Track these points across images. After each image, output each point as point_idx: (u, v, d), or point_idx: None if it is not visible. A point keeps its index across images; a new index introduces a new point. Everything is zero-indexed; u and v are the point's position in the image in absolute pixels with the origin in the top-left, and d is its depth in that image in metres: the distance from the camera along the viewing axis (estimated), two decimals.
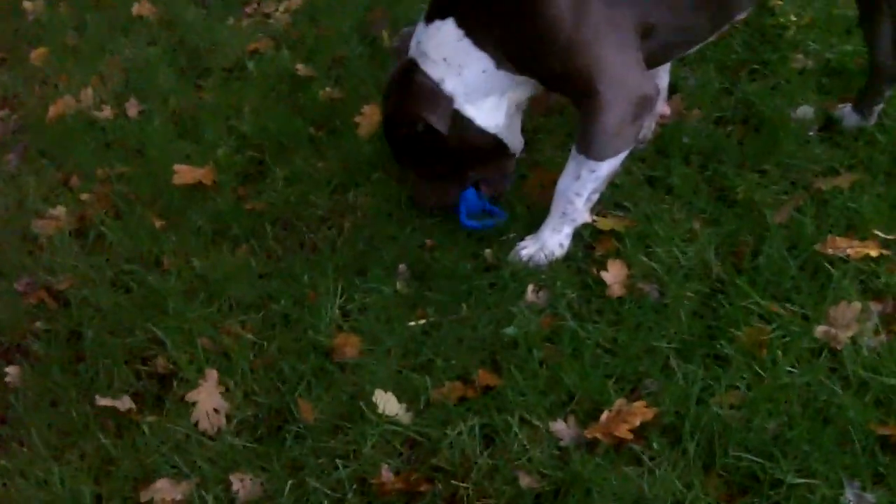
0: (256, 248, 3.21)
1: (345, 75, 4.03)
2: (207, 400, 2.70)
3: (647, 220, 2.97)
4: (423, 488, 2.41)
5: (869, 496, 2.20)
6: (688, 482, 2.29)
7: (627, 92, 2.67)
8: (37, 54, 4.68)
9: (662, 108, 3.28)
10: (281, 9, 4.64)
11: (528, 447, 2.43)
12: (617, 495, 2.29)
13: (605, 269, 2.84)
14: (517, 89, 2.84)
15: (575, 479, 2.33)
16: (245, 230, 3.29)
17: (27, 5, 5.14)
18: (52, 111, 4.17)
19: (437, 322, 2.83)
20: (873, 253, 2.70)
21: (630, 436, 2.37)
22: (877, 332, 2.53)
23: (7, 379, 2.94)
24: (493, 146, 2.94)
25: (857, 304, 2.57)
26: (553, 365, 2.60)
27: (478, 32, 2.72)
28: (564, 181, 2.85)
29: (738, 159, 3.13)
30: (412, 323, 2.84)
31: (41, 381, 2.90)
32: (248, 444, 2.60)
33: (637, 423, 2.39)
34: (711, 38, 2.88)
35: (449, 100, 2.80)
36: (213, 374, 2.76)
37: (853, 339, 2.52)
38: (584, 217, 2.92)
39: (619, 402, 2.45)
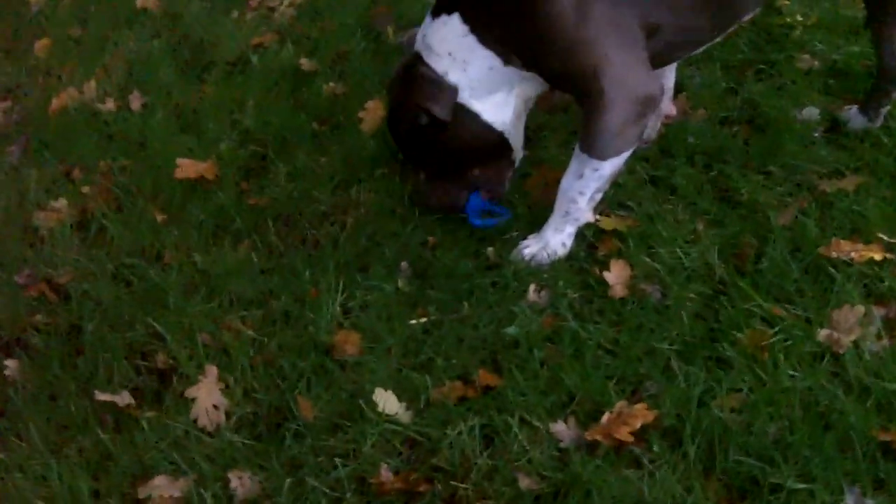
0: (258, 243, 3.20)
1: (348, 70, 4.01)
2: (207, 396, 2.69)
3: (651, 220, 2.96)
4: (422, 488, 2.40)
5: (869, 502, 2.18)
6: (688, 486, 2.28)
7: (631, 91, 2.65)
8: (40, 46, 4.68)
9: (668, 107, 3.26)
10: (285, 3, 4.62)
11: (528, 448, 2.42)
12: (617, 498, 2.28)
13: (608, 269, 2.82)
14: (526, 86, 2.83)
15: (575, 480, 2.32)
16: (247, 225, 3.28)
17: None
18: (55, 103, 4.17)
19: (439, 321, 2.82)
20: (877, 257, 2.69)
21: (630, 438, 2.36)
22: (879, 337, 2.52)
23: (6, 372, 2.93)
24: (497, 143, 2.93)
25: (860, 308, 2.56)
26: (554, 365, 2.59)
27: (483, 29, 2.71)
28: (567, 180, 2.83)
29: (743, 160, 3.12)
30: (413, 321, 2.83)
31: (40, 375, 2.90)
32: (247, 442, 2.59)
33: (638, 425, 2.38)
34: (718, 40, 2.86)
35: (452, 90, 2.79)
36: (212, 370, 2.75)
37: (856, 344, 2.50)
38: (587, 217, 2.91)
39: (620, 404, 2.44)
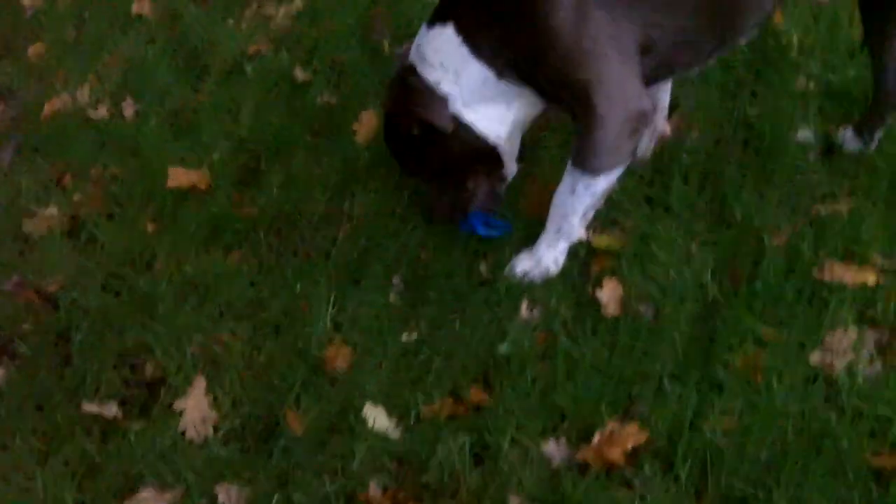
0: (249, 254, 3.19)
1: (344, 80, 4.00)
2: (195, 408, 2.67)
3: (644, 239, 2.94)
4: None
5: None
6: None
7: (624, 106, 2.64)
8: (34, 50, 4.65)
9: (663, 127, 3.26)
10: (281, 11, 4.60)
11: (518, 467, 2.41)
12: None
13: (601, 287, 2.81)
14: (522, 103, 2.82)
15: (565, 502, 2.31)
16: (238, 236, 3.26)
17: (25, 0, 5.10)
18: (48, 108, 4.14)
19: (430, 336, 2.80)
20: (871, 280, 2.68)
21: (622, 459, 2.35)
22: (872, 361, 2.51)
23: None
24: (488, 155, 2.91)
25: (854, 332, 2.56)
26: (546, 384, 2.59)
27: (477, 39, 2.70)
28: (560, 196, 2.82)
29: (738, 181, 3.11)
30: (404, 336, 2.81)
31: (27, 384, 2.88)
32: (235, 456, 2.57)
33: (629, 446, 2.37)
34: (713, 61, 2.85)
35: (444, 100, 2.78)
36: (201, 381, 2.74)
37: (849, 368, 2.49)
38: (580, 233, 2.90)
39: (612, 425, 2.42)
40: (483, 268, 2.97)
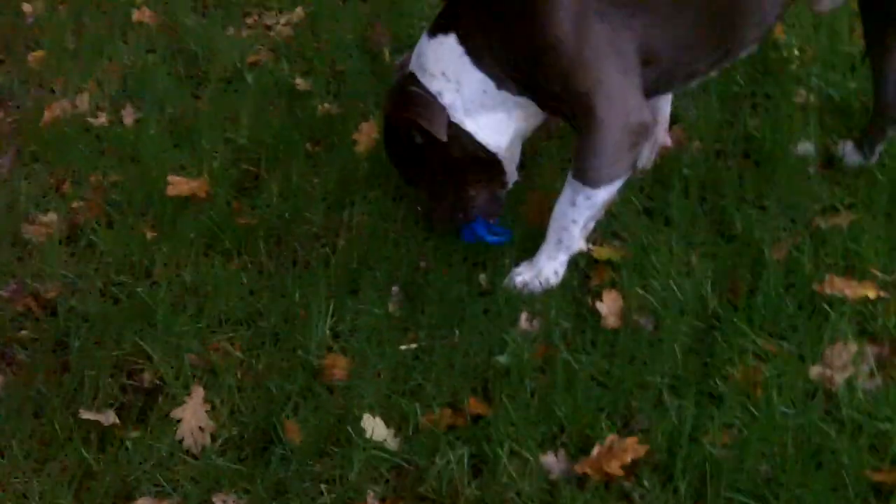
0: (248, 263, 3.18)
1: (344, 90, 4.00)
2: (193, 417, 2.65)
3: (644, 251, 2.94)
4: None
5: None
6: None
7: (625, 118, 2.65)
8: (34, 56, 4.64)
9: (664, 138, 3.26)
10: (282, 21, 4.61)
11: (517, 479, 2.39)
12: None
13: (601, 299, 2.81)
14: (521, 113, 2.82)
15: None
16: (237, 244, 3.25)
17: (26, 6, 5.10)
18: (48, 114, 4.13)
19: (429, 346, 2.79)
20: (871, 294, 2.68)
21: (621, 472, 2.34)
22: (872, 375, 2.51)
23: None
24: (490, 164, 2.92)
25: (854, 346, 2.56)
26: (545, 396, 2.57)
27: (479, 50, 2.71)
28: (560, 208, 2.82)
29: (738, 193, 3.11)
30: (403, 346, 2.80)
31: (24, 391, 2.85)
32: (233, 465, 2.55)
33: (628, 459, 2.36)
34: (714, 73, 2.85)
35: (444, 109, 2.78)
36: (199, 390, 2.72)
37: (849, 382, 2.49)
38: (580, 245, 2.90)
39: (611, 438, 2.41)
40: (482, 278, 2.97)
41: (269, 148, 3.67)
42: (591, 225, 2.87)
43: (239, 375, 2.79)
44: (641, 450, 2.38)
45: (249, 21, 4.69)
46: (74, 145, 3.90)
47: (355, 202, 3.35)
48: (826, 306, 2.67)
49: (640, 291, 2.81)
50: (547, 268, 2.88)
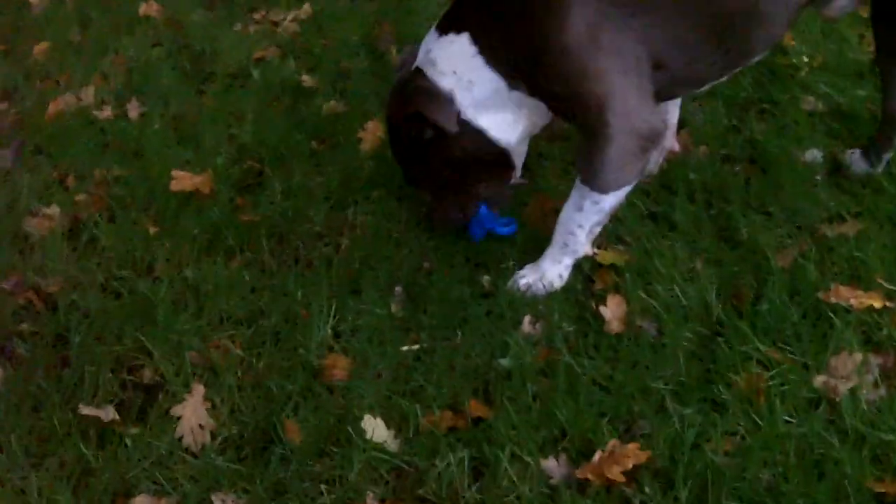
0: (250, 260, 3.17)
1: (349, 89, 3.99)
2: (193, 415, 2.64)
3: (649, 255, 2.93)
4: None
5: None
6: None
7: (636, 124, 2.63)
8: (39, 49, 4.64)
9: (671, 143, 3.24)
10: (289, 17, 4.60)
11: (517, 483, 2.38)
12: None
13: (604, 303, 2.80)
14: (532, 110, 2.80)
15: None
16: (240, 242, 3.24)
17: None
18: (52, 108, 4.13)
19: (431, 348, 2.78)
20: (877, 304, 2.66)
21: (622, 478, 2.32)
22: (876, 386, 2.49)
23: None
24: (501, 160, 2.91)
25: (858, 356, 2.54)
26: (547, 400, 2.56)
27: (492, 51, 2.69)
28: (567, 212, 2.81)
29: (744, 199, 3.10)
30: (405, 347, 2.79)
31: (24, 385, 2.84)
32: (232, 464, 2.54)
33: (630, 465, 2.34)
34: (723, 79, 2.84)
35: (452, 101, 2.76)
36: (199, 388, 2.71)
37: (852, 392, 2.47)
38: (585, 249, 2.88)
39: (613, 443, 2.40)
40: (485, 280, 2.96)
41: (273, 145, 3.67)
42: (598, 230, 2.85)
43: (239, 374, 2.78)
44: (643, 456, 2.36)
45: (257, 17, 4.68)
46: (78, 139, 3.90)
47: (358, 201, 3.34)
48: (831, 315, 2.65)
49: (644, 296, 2.80)
50: (551, 271, 2.87)
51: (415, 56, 2.89)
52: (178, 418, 2.64)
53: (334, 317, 2.90)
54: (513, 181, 3.07)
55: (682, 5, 2.56)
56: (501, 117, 2.80)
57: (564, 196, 2.85)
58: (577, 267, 2.91)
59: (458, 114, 2.77)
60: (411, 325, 2.87)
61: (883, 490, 2.25)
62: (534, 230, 3.08)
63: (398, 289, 2.97)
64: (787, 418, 2.42)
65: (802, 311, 2.70)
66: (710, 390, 2.52)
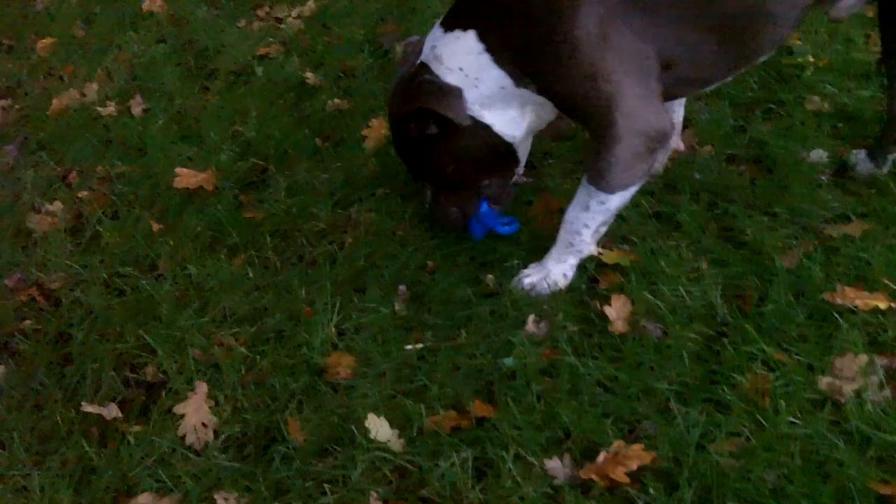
0: (254, 258, 3.16)
1: (354, 86, 3.98)
2: (195, 413, 2.64)
3: (653, 255, 2.92)
4: None
5: None
6: None
7: (644, 124, 2.62)
8: (43, 44, 4.64)
9: (677, 142, 3.23)
10: (293, 14, 4.59)
11: (520, 484, 2.37)
12: None
13: (609, 303, 2.78)
14: (537, 108, 2.79)
15: None
16: (243, 239, 3.24)
17: None
18: (56, 103, 4.12)
19: (434, 347, 2.77)
20: (882, 305, 2.65)
21: (626, 479, 2.32)
22: (881, 388, 2.48)
23: None
24: (506, 155, 2.90)
25: (863, 357, 2.52)
26: (550, 400, 2.55)
27: (499, 49, 2.68)
28: (573, 211, 2.80)
29: (749, 200, 3.09)
30: (408, 346, 2.78)
31: (26, 382, 2.85)
32: (235, 463, 2.54)
33: (634, 466, 2.33)
34: (730, 78, 2.83)
35: (461, 94, 2.75)
36: (202, 386, 2.70)
37: (857, 393, 2.46)
38: (591, 249, 2.87)
39: (617, 444, 2.39)
40: (490, 279, 2.94)
41: (277, 142, 3.66)
42: (604, 230, 2.84)
43: (243, 372, 2.77)
44: (647, 457, 2.36)
45: (260, 14, 4.68)
46: (82, 135, 3.90)
47: (363, 199, 3.33)
48: (836, 316, 2.64)
49: (649, 297, 2.79)
50: (555, 270, 2.86)
51: (418, 51, 2.87)
52: (181, 416, 2.64)
53: (338, 315, 2.89)
54: (516, 179, 3.07)
55: (690, 4, 2.55)
56: (507, 114, 2.80)
57: (569, 195, 2.84)
58: (582, 267, 2.90)
59: (465, 108, 2.76)
60: (415, 324, 2.86)
61: (888, 492, 2.23)
62: (538, 229, 3.07)
63: (402, 287, 2.97)
64: (791, 420, 2.41)
65: (807, 312, 2.68)
66: (714, 391, 2.51)
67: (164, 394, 2.74)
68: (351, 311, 2.91)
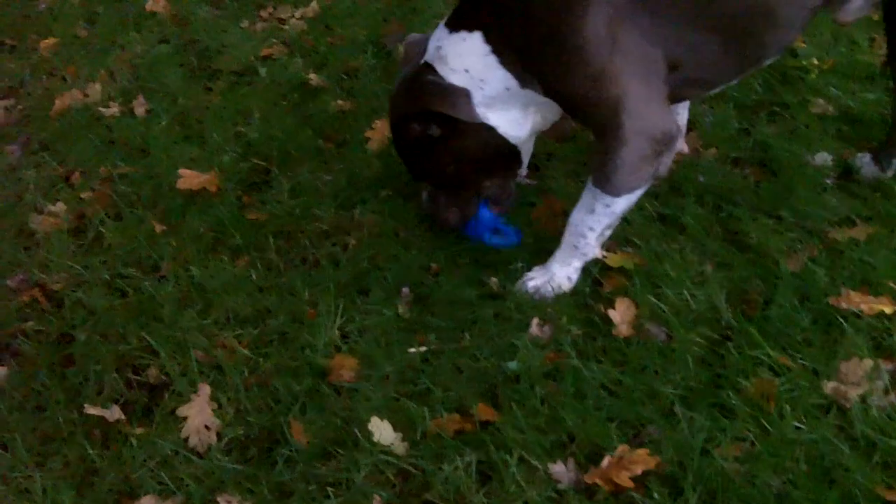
0: (257, 259, 3.15)
1: (357, 87, 3.97)
2: (198, 415, 2.63)
3: (658, 259, 2.91)
4: None
5: None
6: None
7: (651, 127, 2.61)
8: (46, 44, 4.63)
9: (681, 145, 3.22)
10: (296, 15, 4.58)
11: (524, 488, 2.36)
12: None
13: (613, 307, 2.78)
14: (542, 109, 2.79)
15: None
16: (246, 240, 3.23)
17: None
18: (58, 103, 4.11)
19: (438, 350, 2.77)
20: (887, 310, 2.65)
21: (631, 484, 2.31)
22: (887, 392, 2.47)
23: None
24: (509, 156, 2.90)
25: (868, 362, 2.52)
26: (555, 404, 2.54)
27: (506, 51, 2.66)
28: (578, 214, 2.79)
29: (753, 203, 3.08)
30: (412, 349, 2.78)
31: (28, 384, 2.84)
32: (238, 465, 2.53)
33: (639, 470, 2.33)
34: (735, 81, 2.82)
35: (469, 94, 2.74)
36: (205, 388, 2.69)
37: (862, 398, 2.46)
38: (595, 252, 2.86)
39: (621, 448, 2.38)
40: (494, 281, 2.93)
41: (280, 143, 3.65)
42: (609, 232, 2.83)
43: (245, 374, 2.76)
44: (652, 461, 2.35)
45: (264, 14, 4.66)
46: (84, 136, 3.89)
47: (366, 200, 3.32)
48: (841, 321, 2.64)
49: (653, 300, 2.78)
50: (560, 273, 2.85)
51: (421, 51, 2.86)
52: (184, 418, 2.63)
53: (341, 317, 2.88)
54: (519, 180, 3.06)
55: (697, 5, 2.54)
56: (511, 114, 2.79)
57: (573, 197, 2.83)
58: (586, 270, 2.89)
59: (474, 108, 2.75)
60: (418, 326, 2.85)
61: (894, 498, 2.23)
62: (542, 231, 3.06)
63: (405, 289, 2.96)
64: (796, 425, 2.41)
65: (812, 317, 2.68)
66: (719, 396, 2.51)
67: (166, 396, 2.73)
68: (354, 313, 2.90)
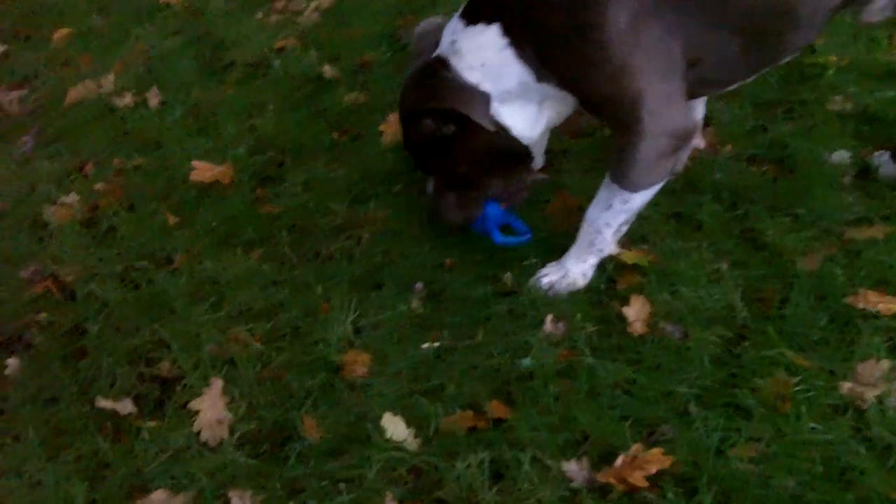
0: (270, 253, 3.15)
1: (371, 80, 3.96)
2: (211, 409, 2.63)
3: (673, 256, 2.89)
4: None
5: None
6: None
7: (669, 123, 2.59)
8: (59, 35, 4.63)
9: (697, 140, 3.20)
10: (310, 7, 4.57)
11: (537, 486, 2.35)
12: None
13: (628, 304, 2.75)
14: (556, 104, 2.76)
15: None
16: (259, 234, 3.22)
17: None
18: (72, 94, 4.11)
19: (451, 346, 2.75)
20: None
21: (645, 483, 2.29)
22: None
23: (6, 371, 2.87)
24: (522, 154, 2.87)
25: (886, 363, 2.49)
26: (568, 401, 2.53)
27: (524, 44, 2.63)
28: (594, 210, 2.77)
29: (770, 201, 3.05)
30: (425, 345, 2.77)
31: (41, 376, 2.84)
32: (250, 460, 2.52)
33: (653, 470, 2.31)
34: (751, 79, 2.80)
35: (486, 97, 2.72)
36: (217, 382, 2.69)
37: (879, 399, 2.43)
38: (611, 248, 2.84)
39: (635, 447, 2.36)
40: (508, 277, 2.92)
41: (293, 136, 3.64)
42: (625, 229, 2.81)
43: (258, 368, 2.76)
44: (666, 461, 2.33)
45: (278, 6, 4.65)
46: (98, 127, 3.89)
47: (380, 195, 3.31)
48: (858, 320, 2.61)
49: (668, 298, 2.76)
50: (575, 270, 2.84)
51: (434, 43, 2.83)
52: (196, 412, 2.63)
53: (355, 312, 2.87)
54: (534, 177, 3.04)
55: (720, 2, 2.51)
56: (526, 110, 2.76)
57: (588, 193, 2.81)
58: (600, 267, 2.88)
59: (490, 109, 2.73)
60: (432, 322, 2.84)
61: None
62: (556, 227, 3.04)
63: (419, 285, 2.95)
64: (812, 425, 2.38)
65: (829, 316, 2.65)
66: (734, 395, 2.48)
67: (178, 389, 2.73)
68: (367, 308, 2.89)
